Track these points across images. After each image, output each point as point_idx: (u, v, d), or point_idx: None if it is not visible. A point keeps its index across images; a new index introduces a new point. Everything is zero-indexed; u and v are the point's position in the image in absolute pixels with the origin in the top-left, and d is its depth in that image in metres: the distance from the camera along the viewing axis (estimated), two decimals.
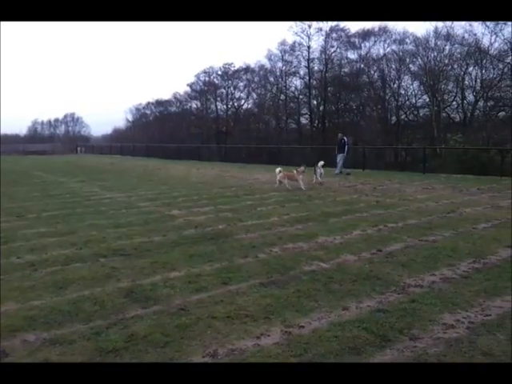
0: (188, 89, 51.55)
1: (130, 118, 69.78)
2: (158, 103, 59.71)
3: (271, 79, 40.86)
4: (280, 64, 39.61)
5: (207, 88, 47.76)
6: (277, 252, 5.72)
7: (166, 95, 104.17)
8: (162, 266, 5.17)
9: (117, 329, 3.55)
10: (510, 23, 26.95)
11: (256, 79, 42.82)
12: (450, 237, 6.48)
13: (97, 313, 3.87)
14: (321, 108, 37.66)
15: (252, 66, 43.46)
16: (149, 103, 62.86)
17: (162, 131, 50.06)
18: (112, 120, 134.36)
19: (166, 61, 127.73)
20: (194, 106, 51.69)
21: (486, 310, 3.80)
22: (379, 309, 3.86)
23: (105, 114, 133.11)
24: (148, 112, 64.02)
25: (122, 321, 3.70)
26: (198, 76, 49.16)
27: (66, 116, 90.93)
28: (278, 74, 39.93)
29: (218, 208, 9.22)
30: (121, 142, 54.22)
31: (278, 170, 12.82)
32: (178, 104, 54.66)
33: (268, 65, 40.81)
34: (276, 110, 40.03)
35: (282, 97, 39.85)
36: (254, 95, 43.68)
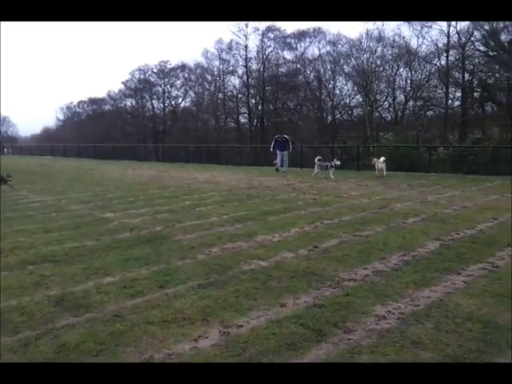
0: (122, 86, 50.02)
1: (61, 117, 66.65)
2: (91, 101, 57.50)
3: (208, 77, 40.62)
4: (217, 62, 39.49)
5: (142, 86, 46.58)
6: (216, 252, 5.68)
7: (100, 93, 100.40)
8: (95, 271, 4.96)
9: (46, 339, 3.36)
10: (435, 26, 28.65)
11: (193, 77, 42.36)
12: (382, 231, 6.75)
13: (25, 323, 3.64)
14: (259, 107, 37.96)
15: (188, 63, 42.97)
16: (81, 101, 60.39)
17: (96, 131, 48.18)
18: (42, 119, 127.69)
19: (99, 58, 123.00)
20: (129, 104, 50.26)
21: (415, 301, 3.99)
22: (315, 304, 3.93)
23: (34, 113, 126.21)
24: (80, 111, 61.46)
25: (52, 331, 3.51)
26: (132, 73, 47.85)
27: None
28: (216, 72, 39.78)
29: (155, 209, 9.01)
30: (51, 143, 51.68)
31: (382, 159, 15.70)
32: (112, 102, 52.90)
33: (205, 63, 40.55)
34: (214, 108, 39.83)
35: (221, 95, 39.69)
36: (192, 94, 43.20)
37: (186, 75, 43.33)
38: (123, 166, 25.13)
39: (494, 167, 18.35)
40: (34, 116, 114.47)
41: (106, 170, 22.21)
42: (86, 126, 54.84)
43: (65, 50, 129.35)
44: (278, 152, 18.53)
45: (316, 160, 16.55)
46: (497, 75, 27.35)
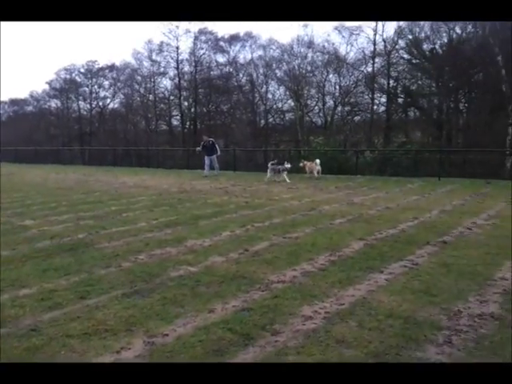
0: (47, 87, 47.34)
1: None
2: (12, 102, 53.78)
3: (138, 78, 39.50)
4: (147, 64, 38.52)
5: (68, 86, 44.39)
6: (143, 259, 5.49)
7: (22, 94, 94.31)
8: (11, 283, 4.60)
9: None
10: (362, 34, 29.93)
11: (122, 78, 40.99)
12: (311, 233, 6.90)
13: None
14: (192, 110, 37.56)
15: (117, 64, 41.56)
16: (1, 102, 56.42)
17: (17, 133, 45.13)
18: None
19: (20, 56, 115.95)
20: (54, 105, 47.57)
21: (340, 300, 4.09)
22: (244, 308, 3.91)
23: None
24: (0, 112, 57.44)
25: None
26: (57, 73, 45.38)
27: None
28: (146, 73, 38.80)
29: (78, 215, 8.57)
30: None
31: (318, 161, 16.31)
32: (36, 103, 49.82)
33: (134, 64, 39.40)
34: (145, 110, 38.81)
35: (151, 97, 38.75)
36: (121, 95, 41.79)
37: (115, 75, 41.88)
38: (46, 170, 23.81)
39: (416, 169, 19.48)
40: None
41: (27, 174, 20.91)
42: (6, 128, 51.18)
43: None
44: (205, 157, 18.32)
45: (269, 164, 16.25)
46: (419, 82, 29.10)
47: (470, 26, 26.56)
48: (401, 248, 5.90)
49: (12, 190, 13.77)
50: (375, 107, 30.83)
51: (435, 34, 27.38)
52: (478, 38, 25.00)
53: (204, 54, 36.53)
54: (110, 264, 5.26)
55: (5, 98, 65.44)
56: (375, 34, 29.13)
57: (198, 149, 18.65)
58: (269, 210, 9.05)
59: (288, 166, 15.75)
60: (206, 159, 18.25)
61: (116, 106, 42.60)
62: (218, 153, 18.43)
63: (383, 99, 30.83)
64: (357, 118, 32.97)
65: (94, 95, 43.17)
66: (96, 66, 42.92)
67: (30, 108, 50.89)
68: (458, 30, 26.80)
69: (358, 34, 30.22)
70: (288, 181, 15.12)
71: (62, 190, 13.54)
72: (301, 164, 16.81)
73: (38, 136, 43.51)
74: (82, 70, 43.66)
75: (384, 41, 28.99)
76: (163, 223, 7.69)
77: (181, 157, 28.70)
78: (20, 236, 6.83)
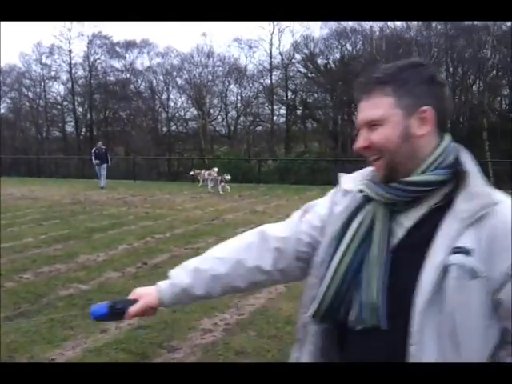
0: None
1: None
2: None
3: (27, 82, 36.62)
4: (36, 67, 35.88)
5: None
6: (28, 278, 5.02)
7: None
8: None
9: None
10: (260, 47, 30.82)
11: (8, 82, 37.73)
12: (213, 242, 6.77)
13: None
14: (88, 116, 35.71)
15: (2, 66, 38.17)
16: None
17: None
18: None
19: None
20: None
21: (240, 310, 4.08)
22: (140, 325, 3.72)
23: None
24: None
25: None
26: None
27: None
28: (35, 77, 36.11)
29: None
30: None
31: (215, 169, 15.61)
32: None
33: (22, 67, 36.48)
34: (35, 116, 36.10)
35: (42, 102, 36.15)
36: (8, 99, 38.40)
37: (0, 79, 38.42)
38: None
39: (315, 177, 20.39)
40: None
41: None
42: None
43: None
44: (96, 166, 16.99)
45: (206, 174, 15.43)
46: (315, 95, 30.73)
47: (360, 43, 28.76)
48: None
49: None
50: (275, 118, 31.92)
51: (328, 49, 29.17)
52: (366, 55, 27.04)
53: (99, 58, 35.02)
54: None
55: None
56: (271, 46, 30.20)
57: (97, 161, 16.99)
58: (170, 221, 8.84)
59: (228, 177, 15.09)
60: (97, 169, 16.97)
61: (2, 111, 38.99)
62: (109, 163, 17.20)
63: (283, 110, 32.06)
64: (259, 128, 33.85)
65: None
66: None
67: None
68: (348, 47, 28.85)
69: (257, 47, 31.11)
70: (221, 192, 14.38)
71: None
72: (191, 173, 16.28)
73: None
74: None
75: (281, 54, 30.18)
76: (53, 238, 7.13)
77: (76, 165, 27.10)
78: None
